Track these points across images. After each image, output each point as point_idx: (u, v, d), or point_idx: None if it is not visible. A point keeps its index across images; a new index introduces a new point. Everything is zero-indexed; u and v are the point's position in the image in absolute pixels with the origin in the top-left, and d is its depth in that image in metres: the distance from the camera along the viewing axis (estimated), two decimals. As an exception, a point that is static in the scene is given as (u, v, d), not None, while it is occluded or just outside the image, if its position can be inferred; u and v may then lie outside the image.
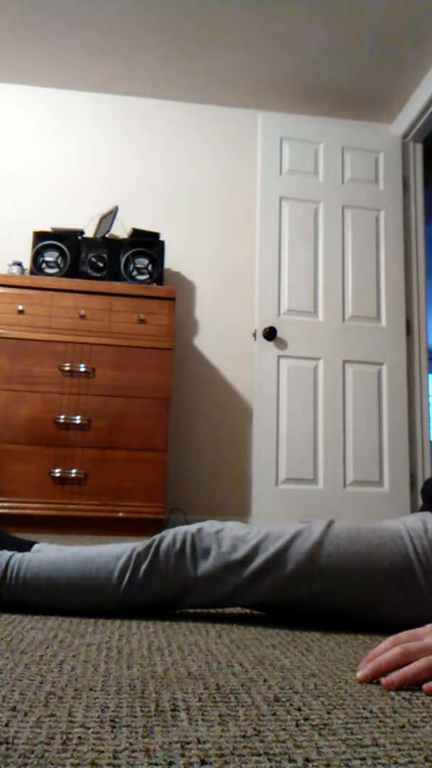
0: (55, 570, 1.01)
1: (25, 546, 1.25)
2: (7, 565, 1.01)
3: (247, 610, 1.15)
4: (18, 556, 1.03)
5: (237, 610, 1.15)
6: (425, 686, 0.65)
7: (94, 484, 2.68)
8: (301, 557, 0.96)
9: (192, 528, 1.03)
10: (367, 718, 0.58)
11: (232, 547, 0.99)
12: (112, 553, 1.02)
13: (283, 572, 0.96)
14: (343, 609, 0.97)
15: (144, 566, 0.99)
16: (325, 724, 0.56)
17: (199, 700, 0.61)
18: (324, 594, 0.96)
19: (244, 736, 0.52)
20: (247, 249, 3.48)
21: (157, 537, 1.02)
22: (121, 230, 3.35)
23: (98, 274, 2.97)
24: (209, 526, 1.03)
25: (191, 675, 0.70)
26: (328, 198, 3.31)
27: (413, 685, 0.67)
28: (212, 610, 1.13)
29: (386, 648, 0.70)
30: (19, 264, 3.01)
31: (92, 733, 0.52)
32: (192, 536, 1.01)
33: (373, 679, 0.69)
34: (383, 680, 0.67)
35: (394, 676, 0.66)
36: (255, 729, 0.54)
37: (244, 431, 3.31)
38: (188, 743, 0.50)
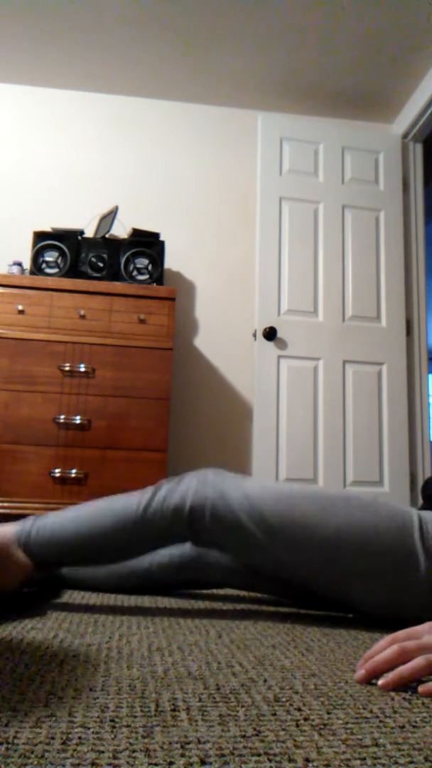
0: (78, 512, 1.10)
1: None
2: (32, 525, 1.12)
3: (247, 607, 1.15)
4: (41, 517, 1.13)
5: (236, 608, 1.16)
6: (421, 688, 0.65)
7: (94, 484, 2.68)
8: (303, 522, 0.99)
9: (216, 495, 1.03)
10: (367, 718, 0.58)
11: (256, 509, 1.01)
12: (133, 494, 1.10)
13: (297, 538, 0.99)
14: (340, 587, 0.98)
15: (162, 493, 1.06)
16: (325, 724, 0.56)
17: (199, 700, 0.61)
18: (321, 561, 0.97)
19: (244, 736, 0.52)
20: (247, 249, 3.48)
21: (182, 489, 1.05)
22: (121, 230, 3.35)
23: (98, 274, 2.97)
24: (236, 496, 1.03)
25: (191, 675, 0.70)
26: (328, 198, 3.31)
27: (411, 684, 0.67)
28: (212, 610, 1.13)
29: (383, 647, 0.70)
30: (19, 264, 3.01)
31: (92, 733, 0.52)
32: (213, 504, 1.02)
33: (371, 678, 0.69)
34: (380, 680, 0.67)
35: (391, 675, 0.66)
36: (255, 729, 0.54)
37: (244, 431, 3.31)
38: (188, 743, 0.50)
